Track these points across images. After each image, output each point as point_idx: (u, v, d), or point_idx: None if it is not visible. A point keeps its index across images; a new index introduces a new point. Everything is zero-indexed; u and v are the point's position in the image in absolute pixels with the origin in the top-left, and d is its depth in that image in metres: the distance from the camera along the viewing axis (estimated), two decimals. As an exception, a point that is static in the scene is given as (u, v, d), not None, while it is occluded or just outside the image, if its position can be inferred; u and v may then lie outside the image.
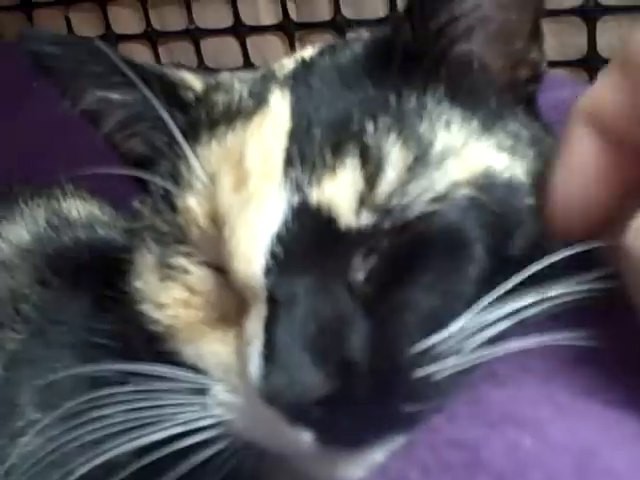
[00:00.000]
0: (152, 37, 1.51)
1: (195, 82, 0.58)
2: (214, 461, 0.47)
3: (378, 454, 0.43)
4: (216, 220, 0.48)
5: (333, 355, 0.42)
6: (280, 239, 0.44)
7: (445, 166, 0.46)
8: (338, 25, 1.29)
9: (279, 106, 0.51)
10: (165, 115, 0.52)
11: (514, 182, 0.47)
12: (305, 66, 0.55)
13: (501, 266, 0.45)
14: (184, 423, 0.47)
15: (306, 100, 0.50)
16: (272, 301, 0.44)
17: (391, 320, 0.43)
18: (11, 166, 1.08)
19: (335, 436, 0.43)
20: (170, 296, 0.52)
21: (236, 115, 0.52)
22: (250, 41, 1.42)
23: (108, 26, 1.53)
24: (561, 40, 1.13)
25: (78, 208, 0.82)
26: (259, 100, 0.52)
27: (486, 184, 0.46)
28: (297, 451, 0.44)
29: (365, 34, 0.58)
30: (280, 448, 0.45)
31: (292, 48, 1.37)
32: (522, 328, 0.42)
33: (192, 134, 0.53)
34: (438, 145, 0.47)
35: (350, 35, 0.60)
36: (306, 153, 0.47)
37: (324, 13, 1.32)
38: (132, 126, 0.58)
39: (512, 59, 0.52)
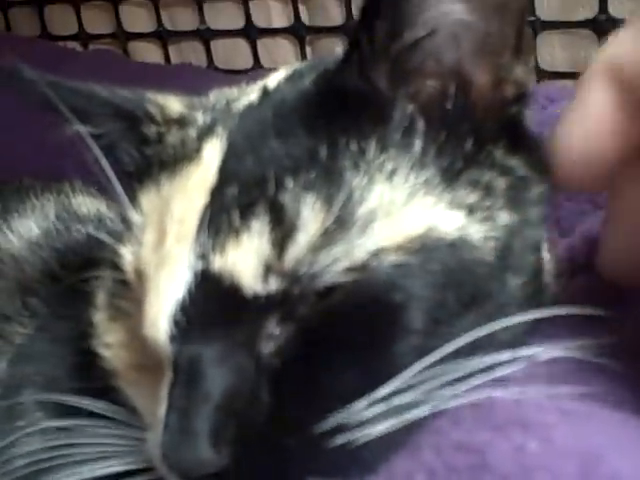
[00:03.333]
0: (163, 36, 1.52)
1: (173, 109, 0.55)
2: None
3: None
4: (140, 276, 0.47)
5: (229, 430, 0.41)
6: (184, 306, 0.43)
7: (371, 230, 0.42)
8: (349, 30, 1.29)
9: (211, 156, 0.47)
10: (99, 155, 0.50)
11: (465, 243, 0.43)
12: (259, 102, 0.50)
13: (449, 326, 0.42)
14: (121, 464, 0.48)
15: (236, 150, 0.46)
16: (176, 368, 0.43)
17: (299, 393, 0.42)
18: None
19: None
20: (114, 337, 0.52)
21: (179, 160, 0.49)
22: (261, 43, 1.42)
23: (119, 24, 1.54)
24: (572, 52, 1.14)
25: (87, 204, 0.82)
26: (199, 145, 0.48)
27: (423, 248, 0.42)
28: None
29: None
30: None
31: (303, 51, 1.38)
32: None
33: (145, 175, 0.51)
34: (370, 203, 0.43)
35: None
36: (215, 215, 0.44)
37: (336, 17, 1.33)
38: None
39: (497, 75, 0.46)
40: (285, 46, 1.41)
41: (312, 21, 1.38)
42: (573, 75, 1.13)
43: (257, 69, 1.40)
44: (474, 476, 0.34)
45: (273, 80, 0.53)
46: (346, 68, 0.46)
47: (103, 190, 0.86)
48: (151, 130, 0.54)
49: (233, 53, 1.46)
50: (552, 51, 1.16)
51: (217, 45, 1.48)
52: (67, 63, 1.36)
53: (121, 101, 0.56)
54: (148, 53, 1.55)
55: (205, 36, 1.47)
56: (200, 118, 0.52)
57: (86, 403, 0.51)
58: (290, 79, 0.52)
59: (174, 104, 0.56)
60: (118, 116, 0.55)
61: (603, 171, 0.41)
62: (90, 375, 0.54)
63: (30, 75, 0.54)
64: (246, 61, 1.43)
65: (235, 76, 1.30)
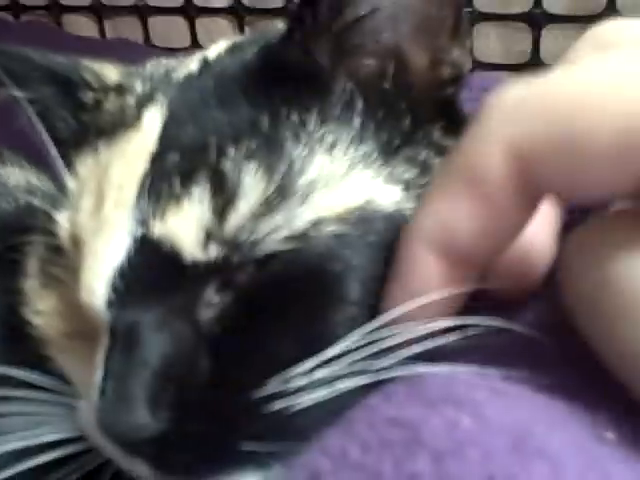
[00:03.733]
0: (99, 11, 1.49)
1: (109, 77, 0.54)
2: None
3: None
4: (76, 242, 0.46)
5: (167, 395, 0.41)
6: (122, 272, 0.42)
7: (311, 200, 0.43)
8: (289, 12, 1.28)
9: (151, 123, 0.47)
10: (34, 119, 0.50)
11: (401, 217, 0.44)
12: (199, 72, 0.50)
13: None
14: (51, 433, 0.47)
15: (177, 118, 0.47)
16: (113, 334, 0.43)
17: (237, 360, 0.42)
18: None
19: (170, 469, 0.42)
20: (46, 305, 0.51)
21: (118, 127, 0.48)
22: (199, 22, 1.41)
23: (53, -4, 1.50)
24: (507, 44, 1.17)
25: (16, 175, 0.80)
26: (138, 113, 0.48)
27: (361, 219, 0.43)
28: (143, 477, 0.43)
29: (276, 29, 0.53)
30: (131, 472, 0.44)
31: (242, 32, 1.36)
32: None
33: (81, 141, 0.50)
34: (310, 174, 0.43)
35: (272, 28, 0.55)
36: (156, 181, 0.43)
37: (276, -1, 1.32)
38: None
39: (434, 56, 0.48)
40: (224, 26, 1.40)
41: (252, 2, 1.37)
42: (507, 67, 1.16)
43: (195, 48, 1.38)
44: (408, 450, 0.34)
45: (213, 52, 0.53)
46: (289, 42, 0.47)
47: (32, 161, 0.85)
48: (88, 96, 0.54)
49: (171, 31, 1.44)
50: (487, 42, 1.18)
51: (155, 22, 1.45)
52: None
53: (56, 66, 0.55)
54: (83, 27, 1.51)
55: (143, 12, 1.44)
56: (139, 86, 0.51)
57: (14, 372, 0.50)
58: (231, 51, 0.52)
59: (110, 72, 0.55)
60: (53, 81, 0.55)
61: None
62: (17, 349, 0.53)
63: None
64: (184, 40, 1.41)
65: (173, 54, 1.28)
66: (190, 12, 1.40)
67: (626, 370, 0.34)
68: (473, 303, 0.42)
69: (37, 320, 0.51)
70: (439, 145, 0.48)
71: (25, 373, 0.49)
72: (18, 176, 0.79)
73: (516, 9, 1.13)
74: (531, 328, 0.40)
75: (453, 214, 0.38)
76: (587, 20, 1.06)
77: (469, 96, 0.85)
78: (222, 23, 1.40)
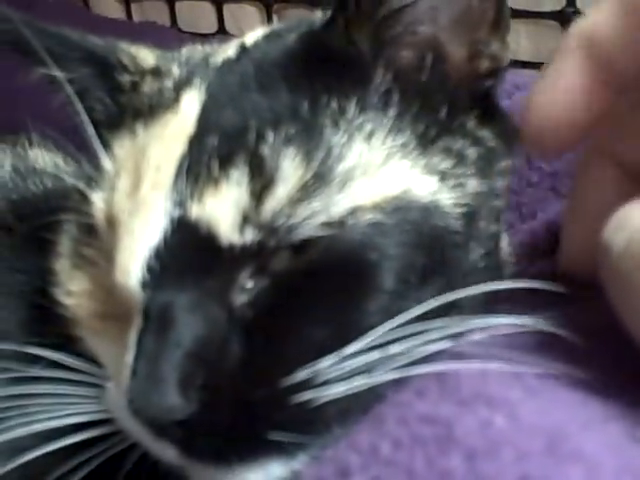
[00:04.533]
0: (127, -8, 1.49)
1: (146, 60, 0.55)
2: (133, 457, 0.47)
3: (255, 476, 0.42)
4: (112, 222, 0.46)
5: (198, 378, 0.41)
6: (158, 253, 0.43)
7: (349, 187, 0.43)
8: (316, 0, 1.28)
9: (189, 106, 0.47)
10: (74, 99, 0.50)
11: (437, 208, 0.44)
12: (238, 57, 0.51)
13: (417, 290, 0.43)
14: (79, 414, 0.47)
15: (216, 102, 0.47)
16: (147, 315, 0.43)
17: (269, 346, 0.42)
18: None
19: (198, 454, 0.42)
20: (77, 285, 0.51)
21: (155, 109, 0.49)
22: (227, 8, 1.40)
23: (82, -22, 1.50)
24: (537, 42, 1.15)
25: (44, 157, 0.80)
26: (176, 96, 0.48)
27: (398, 209, 0.43)
28: (169, 461, 0.44)
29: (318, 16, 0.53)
30: (157, 455, 0.45)
31: (269, 19, 1.36)
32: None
33: (117, 123, 0.51)
34: (349, 161, 0.44)
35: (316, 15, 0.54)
36: (194, 163, 0.44)
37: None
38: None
39: (473, 48, 0.48)
40: (251, 13, 1.40)
41: (280, -11, 1.36)
42: (536, 65, 1.14)
43: (222, 34, 1.38)
44: (440, 448, 0.34)
45: (250, 38, 0.53)
46: (332, 28, 0.47)
47: (60, 144, 0.85)
48: (125, 78, 0.54)
49: (198, 16, 1.44)
50: (517, 40, 1.17)
51: (182, 7, 1.45)
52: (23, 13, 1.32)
53: (94, 47, 0.55)
54: (110, 9, 1.51)
55: (170, -4, 1.44)
56: (176, 70, 0.52)
57: (44, 353, 0.50)
58: (268, 38, 0.52)
59: (147, 55, 0.56)
60: (91, 62, 0.55)
61: (571, 137, 0.42)
62: (44, 330, 0.53)
63: (4, 12, 0.53)
64: (211, 25, 1.42)
65: (199, 40, 1.28)
66: (218, -2, 1.40)
67: None
68: (509, 302, 0.42)
69: (68, 301, 0.51)
70: (474, 135, 0.48)
71: (55, 354, 0.49)
72: (46, 158, 0.80)
73: (548, 7, 1.12)
74: (570, 327, 0.40)
75: (600, 17, 0.40)
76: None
77: (501, 92, 0.85)
78: (249, 10, 1.40)
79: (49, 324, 0.53)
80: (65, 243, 0.53)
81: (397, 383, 0.41)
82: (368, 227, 0.42)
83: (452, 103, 0.47)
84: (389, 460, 0.35)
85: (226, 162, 0.43)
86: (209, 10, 1.41)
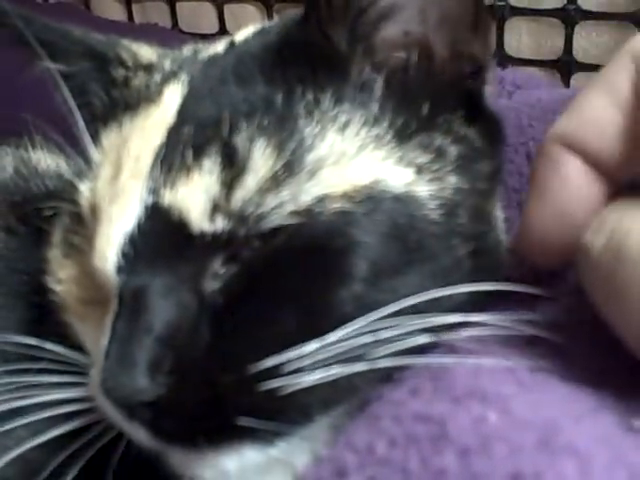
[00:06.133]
0: (127, -6, 1.49)
1: (145, 57, 0.56)
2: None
3: (227, 460, 0.43)
4: (94, 210, 0.48)
5: (167, 362, 0.42)
6: (132, 238, 0.44)
7: (319, 176, 0.44)
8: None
9: (171, 99, 0.49)
10: (65, 91, 0.51)
11: (412, 198, 0.44)
12: (225, 52, 0.52)
13: (392, 281, 0.43)
14: (68, 402, 0.48)
15: (196, 94, 0.48)
16: (121, 299, 0.44)
17: (238, 333, 0.42)
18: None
19: (167, 437, 0.43)
20: (67, 273, 0.52)
21: (142, 102, 0.50)
22: (227, 8, 1.41)
23: (82, -20, 1.50)
24: (538, 40, 1.15)
25: (47, 160, 0.81)
26: (161, 89, 0.50)
27: (369, 198, 0.43)
28: (142, 443, 0.44)
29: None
30: (132, 437, 0.45)
31: (270, 19, 1.36)
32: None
33: (109, 116, 0.52)
34: (320, 151, 0.44)
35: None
36: (170, 153, 0.45)
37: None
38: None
39: (455, 48, 0.49)
40: (252, 13, 1.40)
41: (281, -11, 1.36)
42: (537, 62, 1.15)
43: (223, 34, 1.38)
44: (434, 446, 0.34)
45: (241, 35, 0.54)
46: (306, 24, 0.48)
47: (62, 146, 0.85)
48: (119, 73, 0.55)
49: (199, 17, 1.44)
50: (519, 37, 1.17)
51: (182, 7, 1.45)
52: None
53: (95, 42, 0.57)
54: (111, 11, 1.52)
55: (171, -3, 1.44)
56: (167, 65, 0.53)
57: (40, 343, 0.51)
58: (258, 34, 0.53)
59: (146, 52, 0.57)
60: (89, 56, 0.56)
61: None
62: (43, 329, 0.54)
63: (2, 6, 0.54)
64: (211, 25, 1.42)
65: (200, 40, 1.28)
66: (219, -2, 1.40)
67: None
68: (500, 298, 0.42)
69: (57, 287, 0.53)
70: (458, 134, 0.48)
71: (47, 346, 0.50)
72: (48, 160, 0.80)
73: (549, 4, 1.12)
74: (559, 321, 0.40)
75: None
76: (621, 17, 1.05)
77: (501, 91, 0.85)
78: (250, 9, 1.40)
79: (48, 324, 0.53)
80: (57, 233, 0.55)
81: (374, 373, 0.41)
82: (336, 215, 0.43)
83: (435, 100, 0.48)
84: (385, 459, 0.35)
85: (199, 151, 0.44)
86: (210, 10, 1.42)
